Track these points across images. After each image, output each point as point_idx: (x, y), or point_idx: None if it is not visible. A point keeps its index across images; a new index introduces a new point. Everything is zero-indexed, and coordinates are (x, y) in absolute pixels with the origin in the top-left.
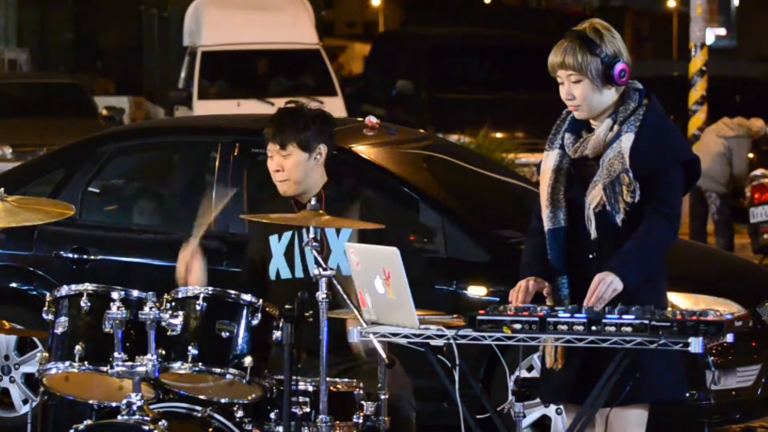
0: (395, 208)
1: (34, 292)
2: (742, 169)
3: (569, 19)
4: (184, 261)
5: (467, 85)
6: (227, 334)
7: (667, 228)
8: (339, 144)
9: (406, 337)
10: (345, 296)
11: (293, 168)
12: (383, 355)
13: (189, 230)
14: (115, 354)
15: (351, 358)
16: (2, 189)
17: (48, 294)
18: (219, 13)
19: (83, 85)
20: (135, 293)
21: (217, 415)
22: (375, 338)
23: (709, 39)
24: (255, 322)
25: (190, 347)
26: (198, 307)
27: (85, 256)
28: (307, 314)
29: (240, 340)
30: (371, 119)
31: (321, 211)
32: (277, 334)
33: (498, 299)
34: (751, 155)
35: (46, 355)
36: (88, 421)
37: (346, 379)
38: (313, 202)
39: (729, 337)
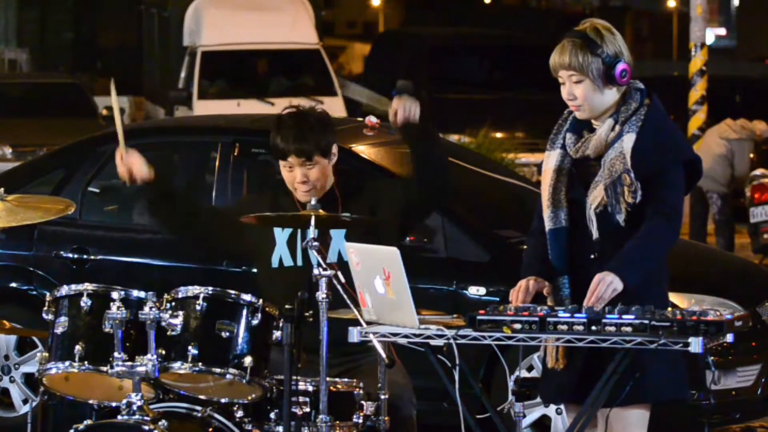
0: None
1: (34, 292)
2: (743, 171)
3: (569, 19)
4: (120, 164)
5: (467, 85)
6: (227, 334)
7: (668, 228)
8: (339, 144)
9: (406, 337)
10: (345, 296)
11: (319, 177)
12: (383, 355)
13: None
14: (115, 354)
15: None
16: (2, 189)
17: (48, 294)
18: (219, 13)
19: (83, 85)
20: (135, 293)
21: (217, 415)
22: (375, 338)
23: (709, 39)
24: (255, 322)
25: (190, 347)
26: (198, 307)
27: (85, 256)
28: (307, 314)
29: (240, 340)
30: (371, 119)
31: (321, 210)
32: (277, 334)
33: (498, 299)
34: (751, 155)
35: (46, 355)
36: (88, 421)
37: (346, 379)
38: (313, 202)
39: (729, 337)
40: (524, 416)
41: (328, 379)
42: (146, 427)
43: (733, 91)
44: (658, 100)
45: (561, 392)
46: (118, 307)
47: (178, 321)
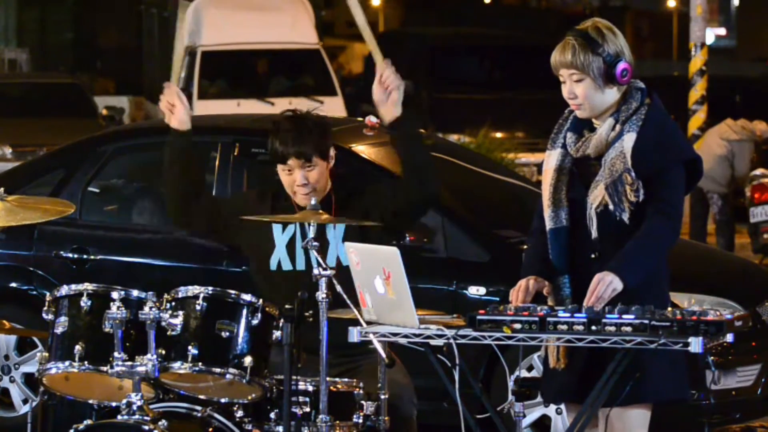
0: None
1: (34, 292)
2: (744, 172)
3: (569, 19)
4: (167, 102)
5: (467, 85)
6: (227, 333)
7: (668, 228)
8: (339, 144)
9: (406, 337)
10: (345, 295)
11: (318, 179)
12: (383, 355)
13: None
14: (115, 354)
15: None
16: (2, 189)
17: (48, 294)
18: (219, 13)
19: (83, 85)
20: (135, 293)
21: (217, 415)
22: (375, 338)
23: (709, 39)
24: (255, 321)
25: (190, 347)
26: (198, 307)
27: (85, 256)
28: (307, 314)
29: (240, 340)
30: (371, 119)
31: (320, 211)
32: (277, 334)
33: (498, 299)
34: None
35: (46, 354)
36: (88, 421)
37: (346, 379)
38: (313, 202)
39: (729, 337)
40: (524, 416)
41: (328, 379)
42: (146, 427)
43: (733, 91)
44: (658, 100)
45: (562, 392)
46: (118, 307)
47: (178, 321)
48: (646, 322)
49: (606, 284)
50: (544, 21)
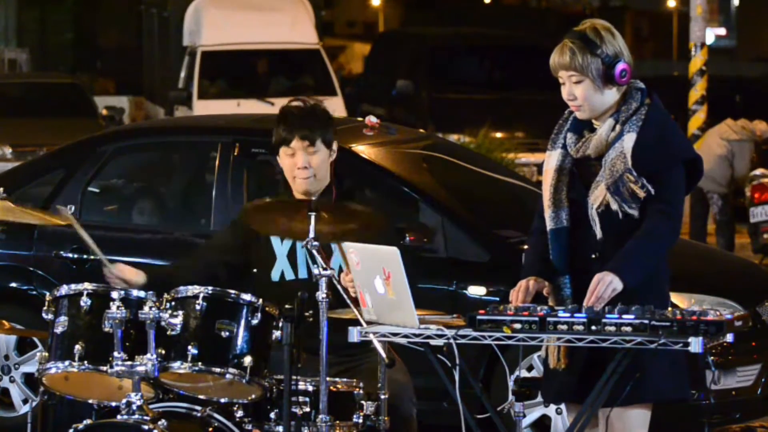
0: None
1: (34, 292)
2: (743, 172)
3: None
4: (112, 279)
5: (467, 85)
6: (227, 333)
7: (669, 228)
8: (339, 144)
9: (406, 337)
10: (345, 296)
11: (320, 164)
12: (383, 355)
13: (189, 230)
14: (115, 353)
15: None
16: (2, 189)
17: (48, 294)
18: (219, 13)
19: (83, 85)
20: (135, 293)
21: (216, 415)
22: (375, 338)
23: (709, 39)
24: (255, 321)
25: (189, 347)
26: (198, 307)
27: (85, 256)
28: (307, 314)
29: (240, 340)
30: (371, 119)
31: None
32: (277, 334)
33: (498, 299)
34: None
35: (46, 354)
36: (88, 421)
37: (346, 379)
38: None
39: (729, 337)
40: (524, 416)
41: (328, 379)
42: (146, 427)
43: (733, 91)
44: (658, 100)
45: (562, 392)
46: (118, 307)
47: (177, 321)
48: (646, 322)
49: (606, 284)
50: (544, 21)
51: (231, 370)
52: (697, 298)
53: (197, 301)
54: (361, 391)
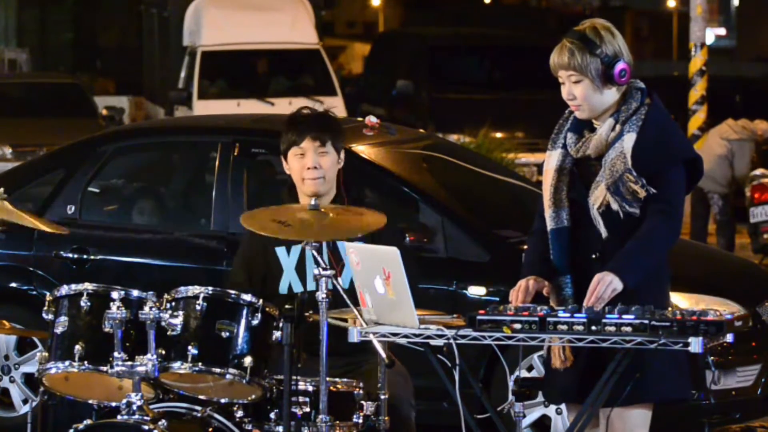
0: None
1: (34, 292)
2: (744, 172)
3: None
4: None
5: (467, 85)
6: (227, 334)
7: (669, 228)
8: None
9: (406, 337)
10: (345, 295)
11: (330, 167)
12: (383, 355)
13: (189, 230)
14: (115, 354)
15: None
16: (2, 189)
17: (48, 294)
18: (219, 13)
19: (83, 85)
20: (135, 293)
21: (217, 415)
22: (375, 338)
23: (709, 39)
24: (255, 322)
25: (190, 347)
26: (198, 307)
27: (85, 256)
28: (307, 314)
29: (240, 340)
30: (371, 119)
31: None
32: (277, 334)
33: (498, 299)
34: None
35: (46, 354)
36: (88, 421)
37: (346, 379)
38: (312, 202)
39: (729, 337)
40: (524, 416)
41: (328, 379)
42: (146, 427)
43: (733, 91)
44: (658, 100)
45: (563, 392)
46: (118, 307)
47: (178, 321)
48: (646, 322)
49: (606, 284)
50: (544, 21)
51: (231, 370)
52: (697, 298)
53: (197, 302)
54: (361, 392)
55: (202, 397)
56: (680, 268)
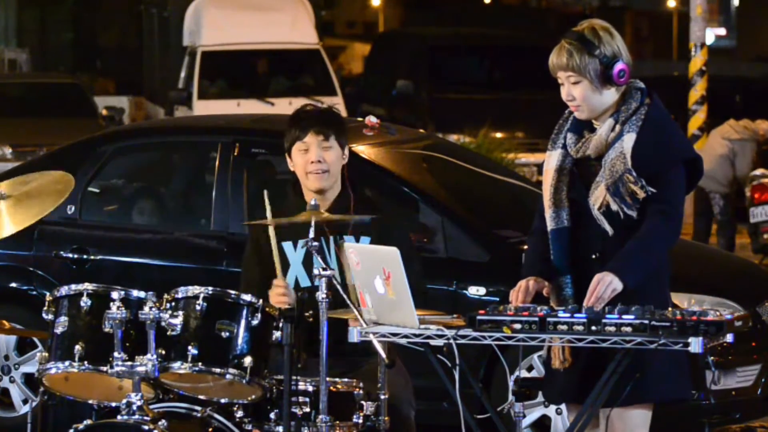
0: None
1: (34, 292)
2: (745, 172)
3: (569, 19)
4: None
5: (467, 85)
6: (227, 334)
7: (669, 228)
8: None
9: (406, 337)
10: (346, 297)
11: (333, 162)
12: (383, 355)
13: (189, 230)
14: (115, 354)
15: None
16: (2, 189)
17: (48, 294)
18: (219, 13)
19: (83, 85)
20: (135, 293)
21: (217, 415)
22: (375, 338)
23: (709, 39)
24: (255, 322)
25: (189, 347)
26: (198, 307)
27: (85, 256)
28: (307, 314)
29: (240, 340)
30: (371, 119)
31: (323, 211)
32: (277, 334)
33: (498, 299)
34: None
35: (46, 355)
36: (88, 421)
37: (346, 379)
38: (312, 202)
39: (729, 337)
40: (524, 416)
41: (328, 379)
42: (146, 427)
43: (733, 91)
44: (658, 100)
45: (563, 393)
46: (118, 307)
47: (177, 321)
48: (646, 322)
49: (606, 284)
50: (544, 21)
51: (231, 370)
52: (697, 298)
53: (197, 302)
54: (361, 392)
55: (202, 397)
56: (680, 268)
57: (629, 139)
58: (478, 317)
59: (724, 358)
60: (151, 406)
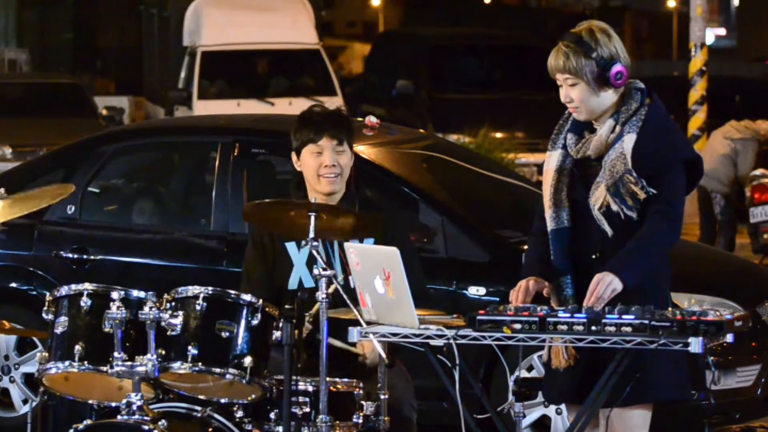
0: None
1: (34, 292)
2: (747, 171)
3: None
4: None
5: (467, 85)
6: (227, 334)
7: (669, 228)
8: None
9: (406, 337)
10: (345, 296)
11: (346, 165)
12: (383, 355)
13: (189, 230)
14: (115, 354)
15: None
16: (2, 189)
17: (48, 294)
18: (219, 13)
19: (83, 85)
20: (135, 293)
21: (216, 415)
22: (375, 338)
23: (709, 39)
24: (255, 322)
25: (189, 347)
26: (198, 307)
27: (85, 256)
28: (307, 314)
29: (240, 340)
30: (371, 119)
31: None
32: (277, 334)
33: (498, 299)
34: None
35: (46, 355)
36: (88, 421)
37: (346, 379)
38: (313, 201)
39: (729, 337)
40: (524, 416)
41: (328, 379)
42: (146, 427)
43: (733, 91)
44: (658, 100)
45: (563, 393)
46: (118, 307)
47: (177, 321)
48: (646, 322)
49: (605, 284)
50: (544, 21)
51: (231, 370)
52: (697, 298)
53: (197, 302)
54: (361, 392)
55: (202, 397)
56: (680, 268)
57: (629, 140)
58: (478, 317)
59: (724, 358)
60: (151, 406)
